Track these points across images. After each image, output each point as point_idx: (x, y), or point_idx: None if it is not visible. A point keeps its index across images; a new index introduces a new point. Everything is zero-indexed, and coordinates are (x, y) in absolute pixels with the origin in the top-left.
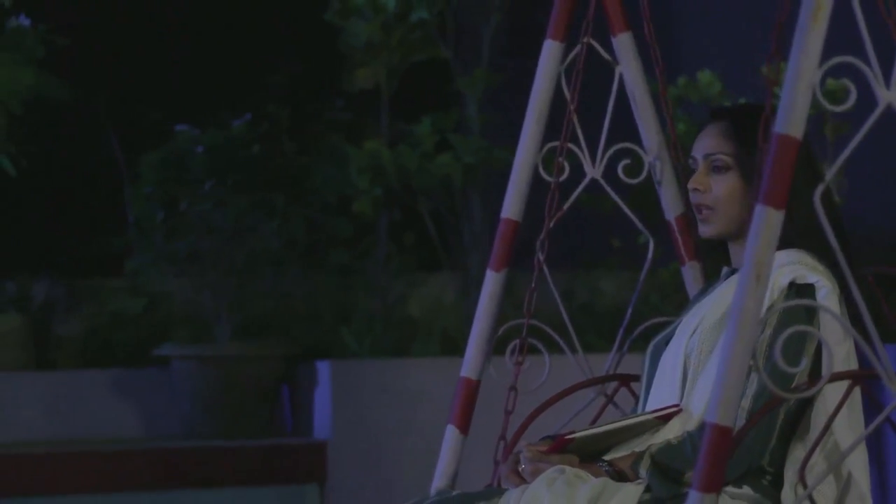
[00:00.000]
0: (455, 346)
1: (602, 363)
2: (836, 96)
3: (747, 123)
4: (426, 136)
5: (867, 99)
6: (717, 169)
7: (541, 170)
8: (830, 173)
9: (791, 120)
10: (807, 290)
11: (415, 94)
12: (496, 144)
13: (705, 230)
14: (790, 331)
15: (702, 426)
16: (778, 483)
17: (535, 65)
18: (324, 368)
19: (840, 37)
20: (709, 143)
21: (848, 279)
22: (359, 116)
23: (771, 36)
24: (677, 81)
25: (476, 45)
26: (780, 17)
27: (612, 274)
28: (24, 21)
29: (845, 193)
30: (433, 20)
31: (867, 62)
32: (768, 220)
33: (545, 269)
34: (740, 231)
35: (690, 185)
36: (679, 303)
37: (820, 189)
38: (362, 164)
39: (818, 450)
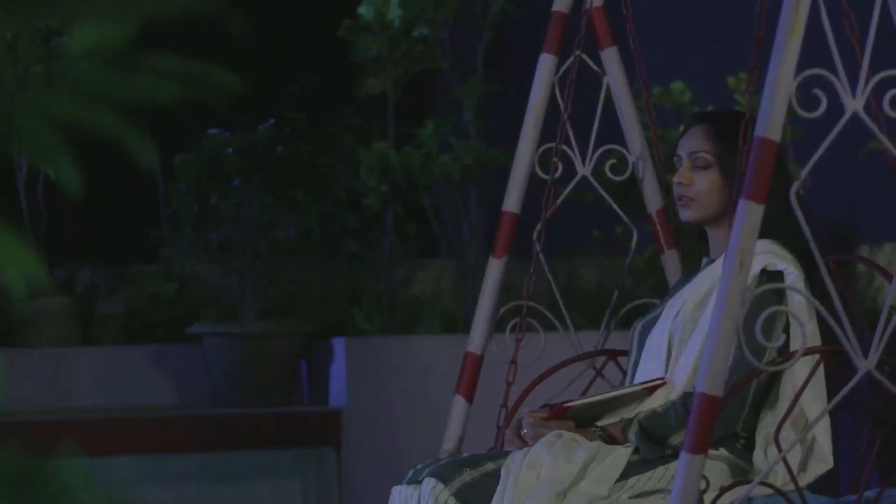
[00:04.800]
0: (454, 325)
1: (589, 340)
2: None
3: (727, 126)
4: (428, 138)
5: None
6: (699, 165)
7: (537, 168)
8: (804, 172)
9: (770, 125)
10: (777, 276)
11: (418, 101)
12: (491, 146)
13: (686, 215)
14: (766, 312)
15: (684, 396)
16: (750, 446)
17: (523, 75)
18: (339, 344)
19: (811, 51)
20: (693, 143)
21: (819, 263)
22: (368, 121)
23: (748, 50)
24: (652, 90)
25: (471, 58)
26: (759, 33)
27: (590, 261)
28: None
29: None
30: (433, 36)
31: (836, 74)
32: (750, 212)
33: (542, 257)
34: (717, 220)
35: (675, 179)
36: (651, 286)
37: (795, 186)
38: (371, 163)
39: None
